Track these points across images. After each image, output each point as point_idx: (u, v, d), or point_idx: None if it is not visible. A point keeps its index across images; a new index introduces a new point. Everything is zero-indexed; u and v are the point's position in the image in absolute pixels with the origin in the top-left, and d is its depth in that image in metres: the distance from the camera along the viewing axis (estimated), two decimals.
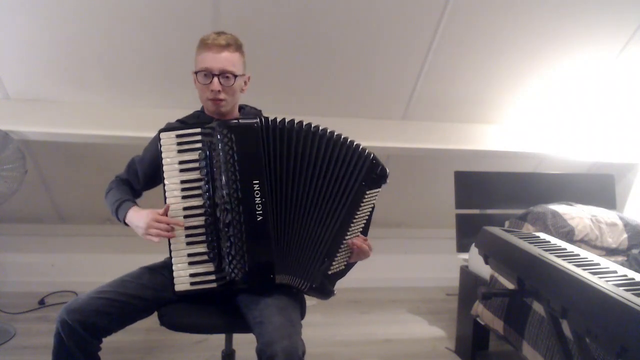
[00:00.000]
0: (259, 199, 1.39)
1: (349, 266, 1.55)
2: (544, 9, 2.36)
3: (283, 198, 1.44)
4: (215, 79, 1.48)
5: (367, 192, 1.51)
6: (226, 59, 1.48)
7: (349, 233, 1.50)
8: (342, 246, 1.50)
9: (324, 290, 1.51)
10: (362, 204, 1.51)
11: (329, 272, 1.50)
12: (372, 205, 1.54)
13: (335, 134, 1.50)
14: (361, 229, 1.54)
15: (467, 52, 2.50)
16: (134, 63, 2.35)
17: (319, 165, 1.47)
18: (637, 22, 2.51)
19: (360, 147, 1.51)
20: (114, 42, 2.27)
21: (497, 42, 2.49)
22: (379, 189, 1.53)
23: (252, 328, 1.36)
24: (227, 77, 1.49)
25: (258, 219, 1.39)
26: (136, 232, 1.44)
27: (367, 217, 1.55)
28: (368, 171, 1.50)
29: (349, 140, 1.50)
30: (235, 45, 1.51)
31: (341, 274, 1.54)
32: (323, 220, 1.47)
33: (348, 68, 2.51)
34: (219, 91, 1.49)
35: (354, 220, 1.50)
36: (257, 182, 1.39)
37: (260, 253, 1.39)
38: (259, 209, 1.39)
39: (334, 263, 1.49)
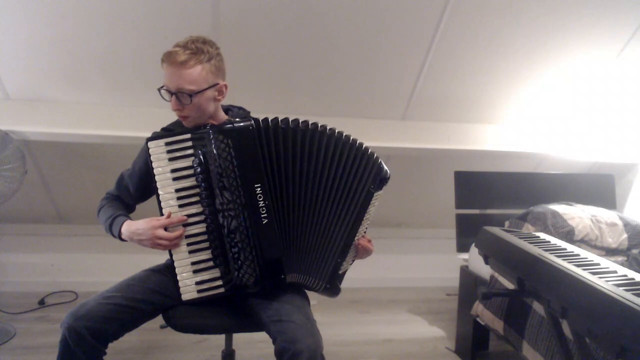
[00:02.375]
0: (262, 202, 1.37)
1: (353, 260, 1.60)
2: (543, 9, 2.36)
3: (290, 199, 1.43)
4: (174, 98, 1.41)
5: (375, 195, 1.51)
6: (182, 77, 1.37)
7: (358, 234, 1.51)
8: (353, 245, 1.51)
9: (334, 289, 1.53)
10: (369, 206, 1.51)
11: (340, 272, 1.52)
12: (376, 206, 1.56)
13: (344, 134, 1.47)
14: (366, 229, 1.57)
15: (467, 52, 2.50)
16: (134, 63, 2.35)
17: (327, 166, 1.45)
18: (637, 22, 2.51)
19: (369, 149, 1.50)
20: (113, 42, 2.27)
21: (497, 42, 2.49)
22: (382, 191, 1.54)
23: (267, 326, 1.35)
24: (186, 95, 1.40)
25: (264, 222, 1.37)
26: (141, 244, 1.40)
27: (369, 220, 1.57)
28: (376, 174, 1.49)
29: (358, 142, 1.49)
30: (196, 59, 1.37)
31: (347, 270, 1.57)
32: (334, 223, 1.47)
33: (348, 68, 2.51)
34: (178, 109, 1.43)
35: (363, 222, 1.51)
36: (259, 185, 1.37)
37: (269, 256, 1.38)
38: (264, 212, 1.37)
39: (344, 263, 1.51)
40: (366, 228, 1.56)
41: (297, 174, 1.43)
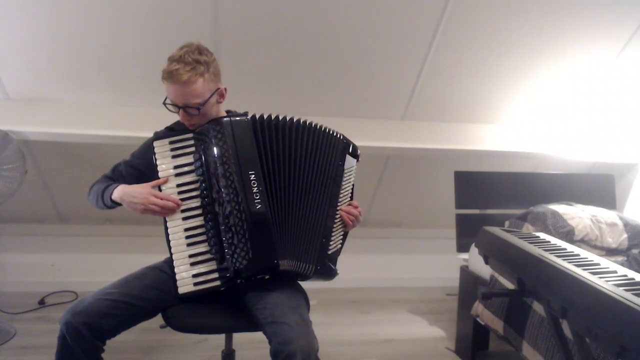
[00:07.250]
0: (256, 188, 1.43)
1: (344, 238, 1.63)
2: (543, 9, 2.36)
3: (278, 187, 1.49)
4: (182, 111, 1.47)
5: (345, 169, 1.62)
6: (188, 94, 1.43)
7: (338, 209, 1.59)
8: (335, 224, 1.58)
9: (328, 272, 1.56)
10: (343, 182, 1.61)
11: (329, 252, 1.56)
12: (352, 182, 1.66)
13: (315, 124, 1.59)
14: (347, 204, 1.64)
15: (467, 52, 2.50)
16: (134, 63, 2.35)
17: (305, 154, 1.54)
18: (637, 22, 2.51)
19: (333, 131, 1.62)
20: (114, 42, 2.26)
21: (497, 42, 2.49)
22: (355, 166, 1.66)
23: (262, 327, 1.37)
24: (194, 109, 1.47)
25: (257, 207, 1.42)
26: (132, 207, 1.43)
27: (350, 194, 1.65)
28: (342, 150, 1.62)
29: (324, 127, 1.60)
30: (196, 73, 1.42)
31: (339, 251, 1.61)
32: (315, 203, 1.55)
33: (348, 68, 2.51)
34: (187, 120, 1.50)
35: (340, 198, 1.60)
36: (253, 172, 1.44)
37: (262, 240, 1.42)
38: (257, 197, 1.43)
39: (331, 242, 1.56)
40: (347, 203, 1.63)
41: (286, 163, 1.51)
